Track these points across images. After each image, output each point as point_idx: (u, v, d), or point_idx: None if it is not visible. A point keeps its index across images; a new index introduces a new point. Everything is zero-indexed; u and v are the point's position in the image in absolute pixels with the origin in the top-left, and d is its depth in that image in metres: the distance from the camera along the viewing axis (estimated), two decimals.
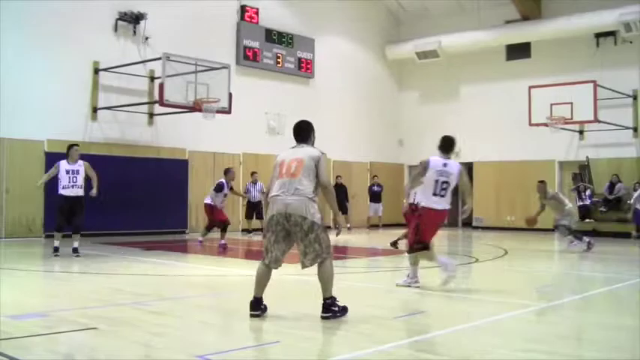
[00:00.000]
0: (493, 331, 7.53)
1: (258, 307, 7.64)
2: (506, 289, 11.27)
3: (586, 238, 17.29)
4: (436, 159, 10.39)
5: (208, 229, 18.71)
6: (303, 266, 7.77)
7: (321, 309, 7.61)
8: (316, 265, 7.70)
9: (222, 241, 17.89)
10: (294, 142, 7.98)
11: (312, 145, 7.98)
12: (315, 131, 8.07)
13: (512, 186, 28.08)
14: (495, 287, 11.61)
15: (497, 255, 16.45)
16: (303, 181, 7.58)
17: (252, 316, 7.60)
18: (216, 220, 18.32)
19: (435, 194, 10.19)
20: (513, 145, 28.31)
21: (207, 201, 18.37)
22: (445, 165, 10.28)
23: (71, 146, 15.45)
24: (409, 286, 10.36)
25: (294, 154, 7.81)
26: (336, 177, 27.08)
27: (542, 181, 18.28)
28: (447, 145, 10.54)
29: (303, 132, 8.04)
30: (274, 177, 7.79)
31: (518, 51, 28.96)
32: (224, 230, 18.22)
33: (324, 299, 7.59)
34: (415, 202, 10.42)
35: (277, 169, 7.77)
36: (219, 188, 18.16)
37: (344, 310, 7.66)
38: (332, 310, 7.54)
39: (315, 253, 7.62)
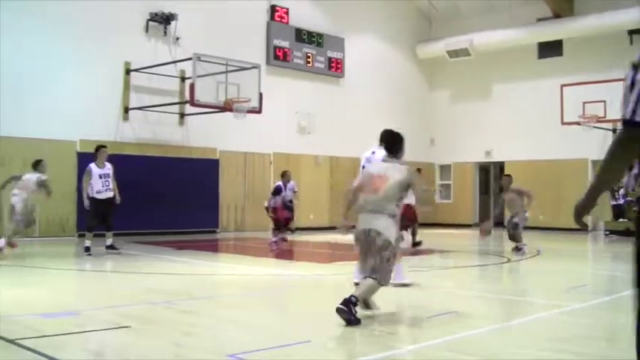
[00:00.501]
0: (525, 331, 7.47)
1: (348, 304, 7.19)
2: (538, 290, 11.20)
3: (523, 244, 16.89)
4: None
5: (279, 228, 18.57)
6: (367, 277, 7.56)
7: (342, 301, 7.18)
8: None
9: (276, 239, 17.94)
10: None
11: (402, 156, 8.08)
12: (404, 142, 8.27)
13: (544, 185, 27.78)
14: (527, 287, 11.54)
15: (529, 255, 16.33)
16: (385, 199, 7.70)
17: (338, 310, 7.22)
18: (280, 218, 18.38)
19: None
20: (545, 144, 28.08)
21: (270, 204, 18.48)
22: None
23: (99, 147, 15.65)
24: (406, 285, 10.17)
25: (385, 170, 7.99)
26: None
27: (507, 175, 18.16)
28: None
29: (397, 145, 8.40)
30: (364, 189, 7.90)
31: (550, 49, 28.72)
32: (278, 228, 18.36)
33: (352, 295, 7.25)
34: None
35: (367, 183, 7.92)
36: (277, 191, 18.29)
37: (357, 320, 7.12)
38: (350, 307, 7.10)
39: (380, 275, 7.47)
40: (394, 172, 7.83)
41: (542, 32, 28.41)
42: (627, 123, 3.62)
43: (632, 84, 3.63)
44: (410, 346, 6.42)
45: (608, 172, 3.90)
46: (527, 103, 28.94)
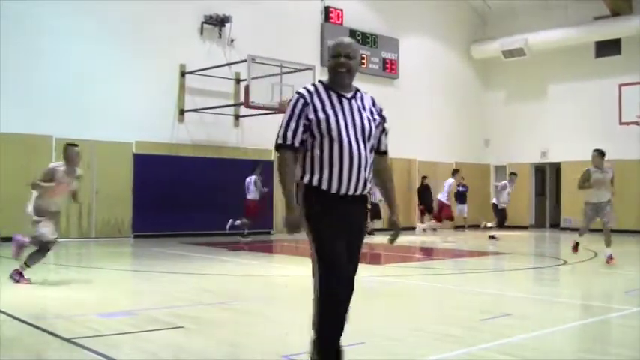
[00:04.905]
0: (580, 335, 7.37)
1: None
2: (595, 293, 11.03)
3: None
4: None
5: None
6: None
7: None
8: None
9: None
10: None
11: None
12: None
13: None
14: (584, 290, 11.37)
15: (586, 257, 16.08)
16: None
17: None
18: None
19: None
20: (603, 145, 27.14)
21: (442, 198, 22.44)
22: None
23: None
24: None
25: None
26: (422, 178, 26.97)
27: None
28: None
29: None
30: None
31: (608, 48, 28.23)
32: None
33: None
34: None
35: None
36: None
37: None
38: None
39: None
40: None
41: (599, 31, 27.95)
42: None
43: None
44: (464, 349, 6.36)
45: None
46: (583, 103, 28.51)
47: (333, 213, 4.86)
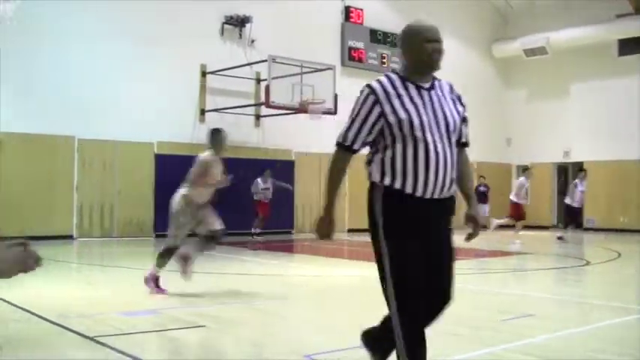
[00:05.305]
0: (604, 336, 7.31)
1: None
2: (619, 294, 10.95)
3: None
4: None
5: None
6: None
7: None
8: None
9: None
10: None
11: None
12: None
13: (625, 186, 27.16)
14: (607, 291, 11.29)
15: (609, 258, 15.98)
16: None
17: None
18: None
19: None
20: (626, 144, 27.40)
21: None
22: None
23: None
24: None
25: None
26: None
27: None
28: None
29: None
30: None
31: (632, 46, 27.94)
32: None
33: None
34: None
35: None
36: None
37: None
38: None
39: None
40: None
41: (622, 29, 27.70)
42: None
43: None
44: (485, 349, 6.33)
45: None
46: (607, 102, 28.28)
47: (415, 218, 4.33)
